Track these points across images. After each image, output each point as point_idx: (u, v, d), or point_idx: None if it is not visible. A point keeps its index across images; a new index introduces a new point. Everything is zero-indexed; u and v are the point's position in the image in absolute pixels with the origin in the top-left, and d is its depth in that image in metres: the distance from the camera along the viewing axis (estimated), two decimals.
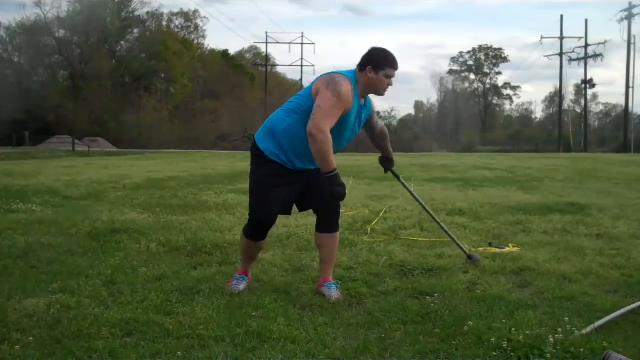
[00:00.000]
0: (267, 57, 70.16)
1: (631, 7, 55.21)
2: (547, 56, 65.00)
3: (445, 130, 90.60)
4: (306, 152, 3.76)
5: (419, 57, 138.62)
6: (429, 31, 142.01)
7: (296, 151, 3.82)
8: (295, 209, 4.22)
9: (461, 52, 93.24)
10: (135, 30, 63.82)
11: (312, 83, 3.83)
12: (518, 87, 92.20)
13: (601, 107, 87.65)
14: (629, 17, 55.64)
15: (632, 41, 55.79)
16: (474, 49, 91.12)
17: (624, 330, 3.30)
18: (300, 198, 4.07)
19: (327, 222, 4.07)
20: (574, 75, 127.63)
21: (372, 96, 4.03)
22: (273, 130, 3.87)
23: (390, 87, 3.85)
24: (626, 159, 27.04)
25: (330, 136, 3.58)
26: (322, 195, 3.83)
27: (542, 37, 65.49)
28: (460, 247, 5.01)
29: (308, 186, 3.98)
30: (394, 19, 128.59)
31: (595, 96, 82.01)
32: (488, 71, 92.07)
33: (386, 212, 7.81)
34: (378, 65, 3.78)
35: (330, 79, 3.70)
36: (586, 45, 59.68)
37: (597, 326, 3.26)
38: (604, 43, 58.58)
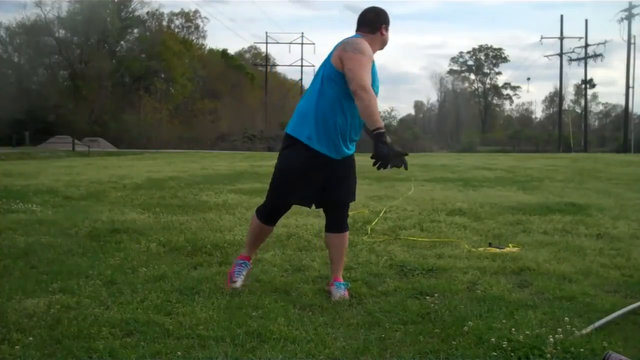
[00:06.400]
0: (267, 57, 70.27)
1: (631, 7, 55.34)
2: (547, 56, 65.16)
3: (445, 130, 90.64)
4: (336, 133, 3.79)
5: (419, 57, 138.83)
6: (429, 31, 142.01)
7: (328, 130, 3.79)
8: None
9: (461, 52, 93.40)
10: (135, 31, 63.86)
11: (329, 56, 3.83)
12: (518, 87, 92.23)
13: (601, 107, 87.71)
14: (629, 17, 55.74)
15: (632, 41, 55.89)
16: (474, 49, 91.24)
17: (624, 330, 3.30)
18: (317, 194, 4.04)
19: (336, 222, 4.08)
20: (574, 75, 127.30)
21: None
22: (307, 112, 3.85)
23: None
24: (626, 159, 27.04)
25: (373, 93, 3.60)
26: (335, 194, 3.95)
27: (542, 37, 65.84)
28: None
29: (325, 185, 3.97)
30: (394, 18, 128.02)
31: (595, 96, 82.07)
32: (488, 71, 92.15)
33: (386, 212, 7.81)
34: (387, 21, 3.95)
35: (346, 44, 3.76)
36: (586, 45, 59.74)
37: (597, 326, 3.26)
38: (604, 43, 58.70)
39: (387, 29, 3.95)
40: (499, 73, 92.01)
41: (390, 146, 3.53)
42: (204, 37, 71.16)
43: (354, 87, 3.58)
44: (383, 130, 3.54)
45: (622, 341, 3.08)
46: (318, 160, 3.83)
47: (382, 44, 3.96)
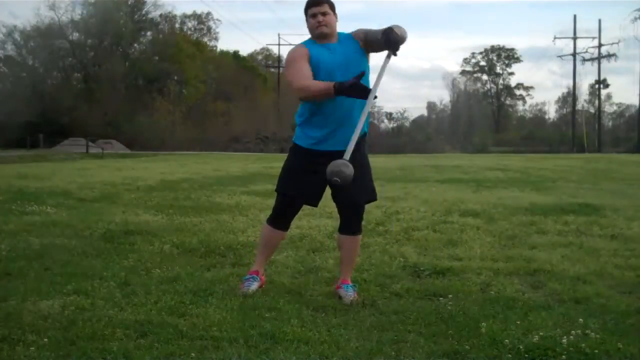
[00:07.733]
0: (279, 59, 70.24)
1: None
2: (560, 56, 64.80)
3: (458, 131, 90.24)
4: (321, 125, 3.91)
5: (431, 58, 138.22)
6: (441, 31, 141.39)
7: (313, 127, 3.95)
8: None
9: (473, 53, 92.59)
10: (149, 33, 64.06)
11: None
12: (531, 87, 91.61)
13: (615, 108, 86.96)
14: None
15: None
16: (486, 50, 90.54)
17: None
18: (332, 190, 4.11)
19: (348, 224, 4.09)
20: (588, 75, 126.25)
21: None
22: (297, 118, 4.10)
23: (321, 24, 3.87)
24: None
25: (305, 82, 3.76)
26: (344, 195, 3.95)
27: (555, 37, 65.48)
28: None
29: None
30: (406, 15, 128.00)
31: (609, 96, 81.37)
32: (501, 72, 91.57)
33: (398, 212, 7.80)
34: (305, 12, 3.97)
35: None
36: (600, 45, 59.44)
37: None
38: (618, 43, 58.39)
39: (307, 17, 3.95)
40: (511, 73, 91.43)
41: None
42: (216, 39, 71.26)
43: (294, 94, 3.91)
44: (341, 84, 3.59)
45: (638, 342, 3.06)
46: (312, 157, 3.93)
47: (310, 31, 3.96)
